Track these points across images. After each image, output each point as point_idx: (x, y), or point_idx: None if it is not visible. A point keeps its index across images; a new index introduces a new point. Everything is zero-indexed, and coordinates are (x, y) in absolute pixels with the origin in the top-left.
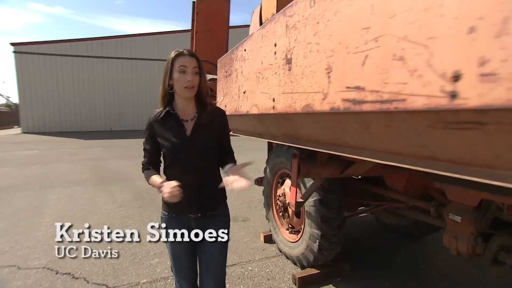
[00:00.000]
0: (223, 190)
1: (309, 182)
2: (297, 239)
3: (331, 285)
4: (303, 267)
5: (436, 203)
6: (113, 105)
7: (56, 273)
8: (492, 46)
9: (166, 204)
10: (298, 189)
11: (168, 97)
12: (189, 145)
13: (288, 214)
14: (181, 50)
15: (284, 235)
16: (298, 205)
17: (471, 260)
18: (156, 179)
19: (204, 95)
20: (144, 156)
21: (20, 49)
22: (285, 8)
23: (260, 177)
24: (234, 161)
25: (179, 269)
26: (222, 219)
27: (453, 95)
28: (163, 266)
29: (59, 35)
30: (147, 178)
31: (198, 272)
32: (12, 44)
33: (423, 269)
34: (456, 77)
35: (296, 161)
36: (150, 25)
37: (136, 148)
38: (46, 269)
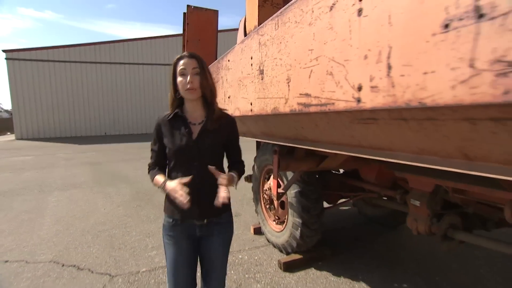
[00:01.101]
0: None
1: (290, 175)
2: (282, 228)
3: (313, 268)
4: (288, 254)
5: (401, 191)
6: (107, 109)
7: (62, 266)
8: (375, 68)
9: (169, 209)
10: (281, 182)
11: (178, 102)
12: (194, 148)
13: (274, 206)
14: (182, 54)
15: (271, 226)
16: (279, 195)
17: (438, 245)
18: (159, 178)
19: (209, 96)
20: (151, 157)
21: (13, 55)
22: (258, 27)
23: (249, 175)
24: (236, 168)
25: (177, 281)
26: (227, 229)
27: (358, 100)
28: (160, 257)
29: (49, 39)
30: (152, 178)
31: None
32: (4, 51)
33: (397, 253)
34: (360, 88)
35: (277, 156)
36: (141, 28)
37: (131, 151)
38: (53, 262)
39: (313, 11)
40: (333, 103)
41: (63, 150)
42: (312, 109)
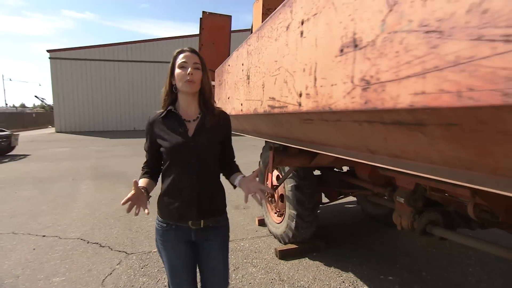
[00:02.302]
0: (223, 197)
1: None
2: (281, 220)
3: (306, 258)
4: (285, 243)
5: (389, 189)
6: (137, 106)
7: (88, 243)
8: (308, 79)
9: (163, 211)
10: (281, 176)
11: (171, 98)
12: (191, 145)
13: (275, 200)
14: (183, 48)
15: (272, 218)
16: (274, 188)
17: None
18: (139, 181)
19: (207, 94)
20: (145, 159)
21: (55, 55)
22: (247, 38)
23: (256, 170)
24: (238, 169)
25: (179, 286)
26: (223, 232)
27: (300, 104)
28: None
29: (88, 39)
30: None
31: None
32: (48, 51)
33: (390, 249)
34: (300, 95)
35: (272, 152)
36: (172, 27)
37: None
38: (80, 239)
39: (277, 29)
40: (286, 106)
41: (96, 143)
42: (276, 110)
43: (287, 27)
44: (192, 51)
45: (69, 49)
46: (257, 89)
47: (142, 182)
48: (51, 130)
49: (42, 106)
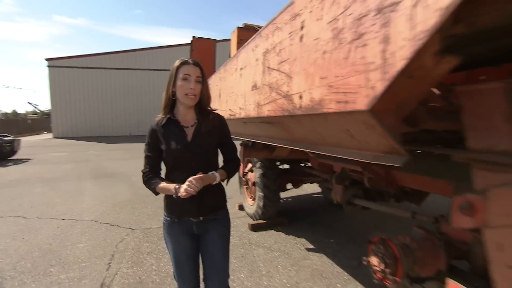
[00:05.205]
0: (223, 195)
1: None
2: (254, 203)
3: (272, 230)
4: (256, 220)
5: (331, 174)
6: (132, 112)
7: (100, 223)
8: (242, 100)
9: (168, 207)
10: (252, 166)
11: (170, 104)
12: (190, 150)
13: (249, 186)
14: (186, 59)
15: (248, 202)
16: (244, 174)
17: (367, 219)
18: (168, 185)
19: (205, 103)
20: (146, 164)
21: (53, 63)
22: (219, 69)
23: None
24: (225, 170)
25: (182, 276)
26: (223, 223)
27: (240, 113)
28: None
29: (82, 45)
30: (154, 186)
31: (200, 279)
32: (47, 59)
33: (338, 223)
34: (241, 108)
35: (242, 147)
36: (168, 33)
37: None
38: (94, 221)
39: (232, 68)
40: (235, 115)
41: (93, 148)
42: (231, 117)
43: (236, 69)
44: (195, 64)
45: (67, 57)
46: (224, 103)
47: (169, 182)
48: (47, 136)
49: (34, 113)
